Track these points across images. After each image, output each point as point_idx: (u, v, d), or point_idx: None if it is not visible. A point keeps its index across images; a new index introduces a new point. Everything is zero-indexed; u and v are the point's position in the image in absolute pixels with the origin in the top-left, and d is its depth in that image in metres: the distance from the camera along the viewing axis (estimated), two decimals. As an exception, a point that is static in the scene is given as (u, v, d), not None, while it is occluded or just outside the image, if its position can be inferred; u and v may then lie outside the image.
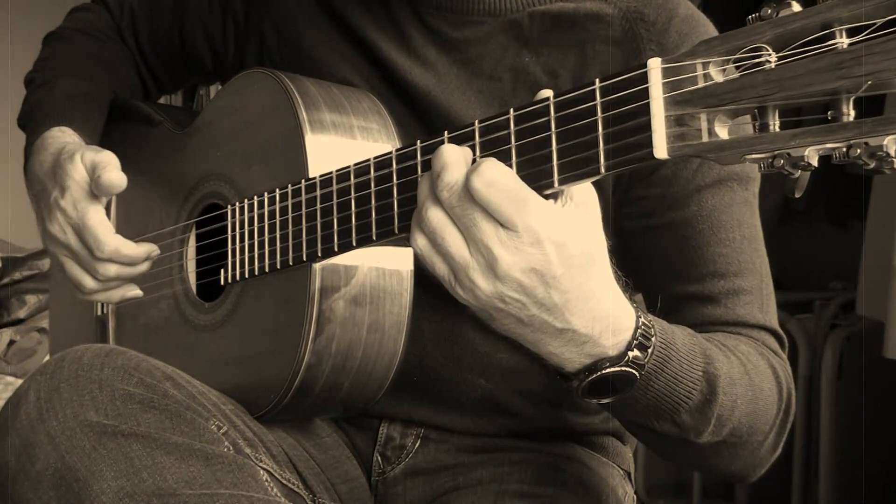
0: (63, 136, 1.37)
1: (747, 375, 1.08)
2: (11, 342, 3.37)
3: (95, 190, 1.27)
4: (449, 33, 1.27)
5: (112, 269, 1.29)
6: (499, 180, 0.86)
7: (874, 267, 2.38)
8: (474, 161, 0.91)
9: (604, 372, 0.95)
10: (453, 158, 0.89)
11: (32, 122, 1.41)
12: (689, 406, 1.01)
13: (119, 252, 1.27)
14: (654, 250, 1.21)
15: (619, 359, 0.95)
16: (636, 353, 0.96)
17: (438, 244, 0.90)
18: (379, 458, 1.32)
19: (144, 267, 1.31)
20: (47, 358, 1.27)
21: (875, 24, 0.69)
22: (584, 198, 0.90)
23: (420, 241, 0.92)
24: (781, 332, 1.21)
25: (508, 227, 0.86)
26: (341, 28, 1.34)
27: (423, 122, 1.27)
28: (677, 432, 1.04)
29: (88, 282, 1.31)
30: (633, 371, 0.96)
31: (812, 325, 2.73)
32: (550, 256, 0.87)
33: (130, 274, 1.31)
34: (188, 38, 1.50)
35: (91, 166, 1.27)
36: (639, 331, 0.96)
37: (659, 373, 0.98)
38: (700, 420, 1.03)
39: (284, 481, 1.13)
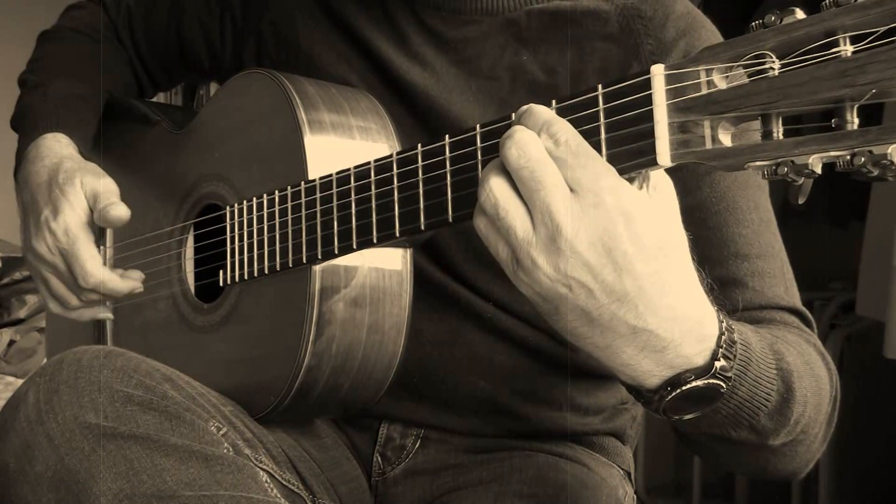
0: (59, 147, 1.37)
1: (807, 366, 1.02)
2: (11, 342, 3.36)
3: (99, 222, 1.30)
4: (447, 33, 1.27)
5: (91, 298, 1.33)
6: (571, 140, 0.81)
7: (874, 267, 2.37)
8: None
9: (688, 387, 0.86)
10: (523, 127, 0.83)
11: (25, 125, 1.42)
12: (768, 409, 0.93)
13: (103, 285, 1.31)
14: None
15: (704, 371, 0.86)
16: (723, 362, 0.86)
17: (501, 219, 0.82)
18: (379, 458, 1.32)
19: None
20: (46, 359, 1.28)
21: (879, 31, 0.69)
22: (660, 183, 0.83)
23: (481, 221, 0.85)
24: (808, 313, 1.17)
25: (573, 186, 0.80)
26: (339, 28, 1.34)
27: (422, 122, 1.27)
28: (755, 438, 0.96)
29: (66, 302, 1.35)
30: (721, 383, 0.87)
31: (812, 325, 2.72)
32: (618, 227, 0.79)
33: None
34: (185, 37, 1.50)
35: (92, 196, 1.30)
36: (723, 337, 0.87)
37: (742, 379, 0.90)
38: (779, 421, 0.96)
39: (284, 482, 1.13)
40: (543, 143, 0.82)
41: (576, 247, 0.80)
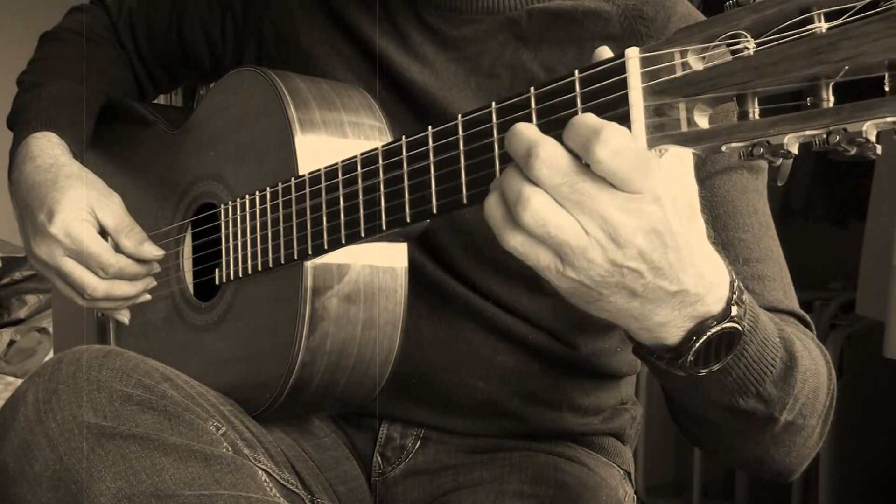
0: (50, 147, 1.38)
1: (806, 349, 1.03)
2: (11, 342, 3.37)
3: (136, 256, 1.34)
4: (447, 32, 1.28)
5: (101, 290, 1.32)
6: (627, 147, 0.78)
7: (874, 267, 2.36)
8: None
9: (711, 332, 0.88)
10: (537, 133, 0.81)
11: (19, 124, 1.43)
12: (773, 374, 0.96)
13: (123, 272, 1.32)
14: None
15: (723, 316, 0.88)
16: (736, 309, 0.89)
17: (552, 237, 0.80)
18: (379, 458, 1.32)
19: (139, 288, 1.36)
20: (48, 358, 1.29)
21: (854, 6, 0.68)
22: (680, 150, 0.82)
23: (517, 238, 0.82)
24: (808, 316, 1.18)
25: (631, 192, 0.79)
26: (340, 27, 1.34)
27: (421, 119, 1.27)
28: (763, 408, 0.98)
29: (79, 299, 1.35)
30: (738, 326, 0.89)
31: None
32: (667, 212, 0.80)
33: (120, 294, 1.35)
34: (187, 38, 1.51)
35: (113, 225, 1.34)
36: (735, 283, 0.89)
37: (753, 333, 0.92)
38: (784, 389, 0.98)
39: (283, 482, 1.13)
40: (599, 154, 0.78)
41: (634, 241, 0.80)
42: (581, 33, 1.24)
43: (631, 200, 0.79)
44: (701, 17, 1.24)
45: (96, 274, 1.31)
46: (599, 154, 0.77)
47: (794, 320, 1.15)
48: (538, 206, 0.80)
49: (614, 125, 0.78)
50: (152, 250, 1.34)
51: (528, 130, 0.81)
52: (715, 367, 0.91)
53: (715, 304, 0.87)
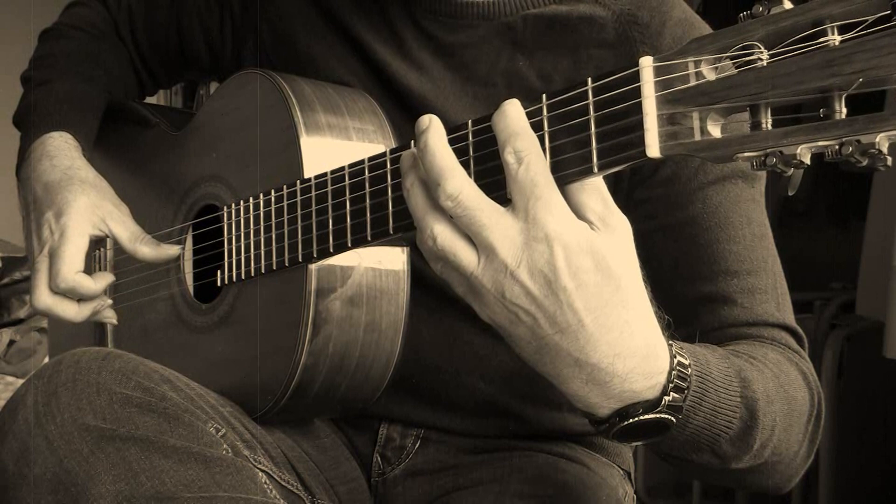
0: (67, 149, 1.38)
1: (782, 388, 1.03)
2: (11, 342, 3.37)
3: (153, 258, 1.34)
4: (443, 37, 1.27)
5: (41, 305, 1.32)
6: (534, 162, 0.82)
7: (874, 267, 2.37)
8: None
9: (636, 419, 0.88)
10: (453, 172, 0.85)
11: (29, 123, 1.42)
12: (729, 436, 0.95)
13: (73, 291, 1.30)
14: (663, 254, 1.17)
15: (654, 404, 0.88)
16: (673, 395, 0.88)
17: (451, 261, 0.85)
18: (379, 458, 1.32)
19: (84, 314, 1.35)
20: (47, 359, 1.28)
21: (867, 20, 0.69)
22: (613, 222, 0.85)
23: (437, 265, 0.88)
24: (800, 330, 1.17)
25: (523, 213, 0.82)
26: (337, 29, 1.34)
27: None
28: (717, 462, 0.98)
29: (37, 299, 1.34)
30: (670, 416, 0.89)
31: (812, 325, 2.70)
32: (557, 261, 0.81)
33: (59, 313, 1.34)
34: (185, 35, 1.50)
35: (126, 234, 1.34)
36: (674, 372, 0.89)
37: (697, 409, 0.92)
38: (741, 447, 0.98)
39: (283, 483, 1.13)
40: (507, 157, 0.83)
41: (518, 276, 0.82)
42: (576, 39, 1.24)
43: (521, 231, 0.82)
44: (699, 20, 1.24)
45: (50, 281, 1.30)
46: (508, 157, 0.83)
47: (784, 335, 1.15)
48: (438, 234, 0.86)
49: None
50: (170, 249, 1.34)
51: (442, 157, 0.86)
52: (638, 444, 0.93)
53: (646, 392, 0.88)
